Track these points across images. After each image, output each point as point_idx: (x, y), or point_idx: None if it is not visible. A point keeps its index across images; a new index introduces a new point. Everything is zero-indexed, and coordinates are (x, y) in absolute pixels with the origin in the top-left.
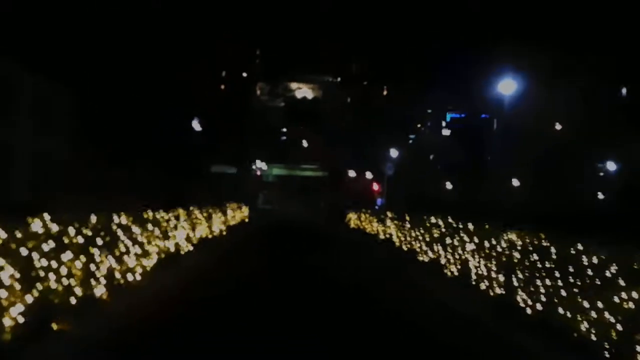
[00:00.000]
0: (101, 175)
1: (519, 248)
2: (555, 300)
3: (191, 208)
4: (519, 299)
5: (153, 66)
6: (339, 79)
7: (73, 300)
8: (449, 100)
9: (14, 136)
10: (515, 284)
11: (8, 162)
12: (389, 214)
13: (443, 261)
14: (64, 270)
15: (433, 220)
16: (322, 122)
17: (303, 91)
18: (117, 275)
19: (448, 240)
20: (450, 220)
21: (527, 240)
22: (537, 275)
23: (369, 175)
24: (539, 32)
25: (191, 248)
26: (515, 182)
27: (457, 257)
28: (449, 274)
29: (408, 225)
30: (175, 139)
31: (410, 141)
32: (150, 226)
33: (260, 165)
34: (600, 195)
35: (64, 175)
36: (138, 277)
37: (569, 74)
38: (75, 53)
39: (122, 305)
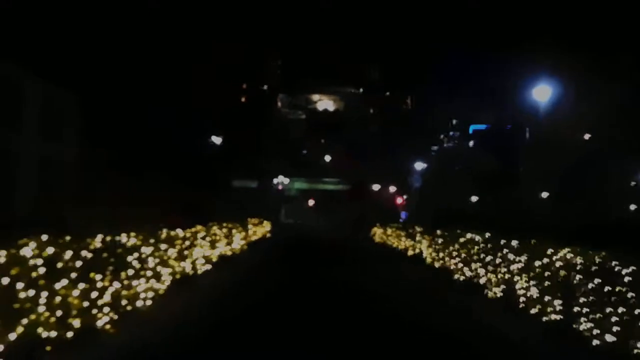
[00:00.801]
0: (113, 188)
1: (579, 268)
2: (632, 332)
3: (210, 224)
4: (581, 327)
5: (171, 76)
6: (361, 90)
7: (70, 334)
8: (474, 110)
9: (19, 143)
10: (576, 309)
11: (13, 170)
12: (418, 228)
13: (482, 281)
14: (57, 300)
15: (469, 235)
16: (345, 134)
17: (324, 103)
18: (124, 302)
19: (488, 258)
20: (488, 235)
21: (589, 260)
22: (605, 300)
23: (392, 188)
24: (572, 34)
25: (209, 267)
26: (547, 194)
27: (499, 277)
28: (490, 294)
29: (440, 241)
30: (195, 152)
31: (434, 152)
32: (163, 245)
33: (282, 179)
34: (632, 206)
35: (74, 185)
36: (148, 303)
37: (607, 78)
38: (86, 59)
39: (128, 336)
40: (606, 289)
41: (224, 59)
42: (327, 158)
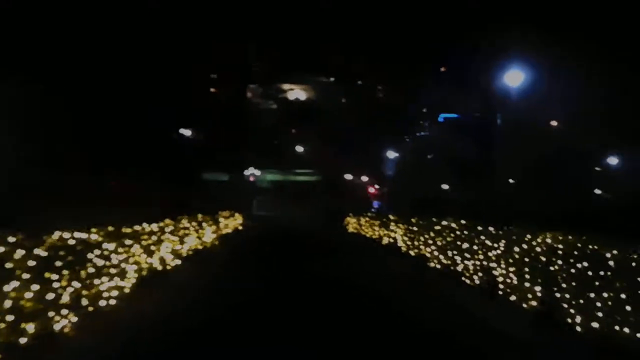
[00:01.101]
0: (83, 184)
1: (560, 253)
2: (618, 318)
3: (179, 217)
4: (564, 314)
5: (140, 66)
6: (332, 79)
7: (23, 340)
8: (447, 98)
9: None
10: (558, 295)
11: None
12: (392, 217)
13: (459, 268)
14: (7, 303)
15: (445, 223)
16: (317, 124)
17: (296, 92)
18: (84, 302)
19: (465, 245)
20: (463, 222)
21: (570, 245)
22: (588, 286)
23: (364, 178)
24: (544, 17)
25: (179, 262)
26: (517, 181)
27: (477, 263)
28: (468, 282)
29: (415, 229)
30: (164, 145)
31: (407, 141)
32: (128, 241)
33: (253, 170)
34: (597, 191)
35: (40, 183)
36: (112, 303)
37: (582, 61)
38: (53, 50)
39: (89, 340)
40: (589, 274)
41: (192, 48)
42: (299, 148)
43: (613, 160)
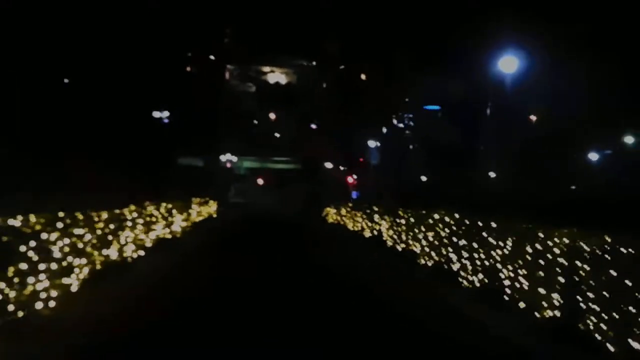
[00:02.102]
0: (39, 168)
1: (586, 256)
2: None
3: (145, 203)
4: (590, 327)
5: (109, 42)
6: (314, 63)
7: None
8: (433, 86)
9: None
10: (583, 306)
11: None
12: (376, 208)
13: (455, 267)
14: None
15: (437, 216)
16: (297, 109)
17: (276, 75)
18: (11, 307)
19: (462, 242)
20: (458, 216)
21: (597, 246)
22: (621, 295)
23: (343, 167)
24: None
25: (142, 253)
26: (495, 172)
27: (477, 263)
28: (466, 284)
29: (402, 222)
30: (132, 128)
31: (389, 129)
32: (78, 230)
33: (230, 157)
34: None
35: None
36: (52, 304)
37: (575, 48)
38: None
39: (20, 356)
40: (622, 281)
41: (167, 25)
42: (278, 134)
43: (594, 153)
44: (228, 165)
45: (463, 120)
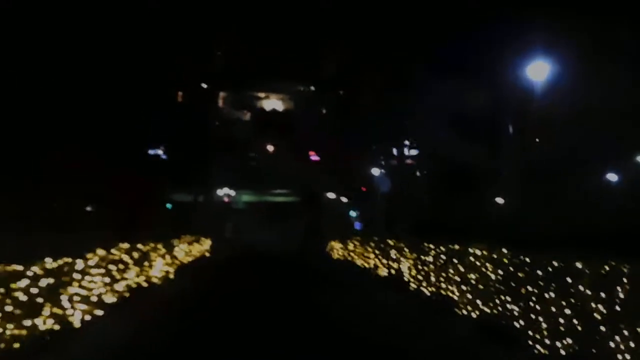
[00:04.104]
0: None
1: None
2: None
3: (112, 247)
4: None
5: (92, 73)
6: (312, 88)
7: None
8: (444, 98)
9: None
10: None
11: None
12: (392, 242)
13: (518, 323)
14: None
15: (478, 251)
16: (295, 138)
17: (272, 102)
18: None
19: (529, 288)
20: (509, 252)
21: None
22: None
23: (346, 197)
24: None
25: (100, 312)
26: (527, 195)
27: (560, 321)
28: (541, 349)
29: (429, 259)
30: (124, 167)
31: (395, 156)
32: None
33: (224, 190)
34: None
35: None
36: None
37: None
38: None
39: None
40: None
41: (154, 54)
42: (276, 165)
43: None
44: (223, 199)
45: (480, 136)
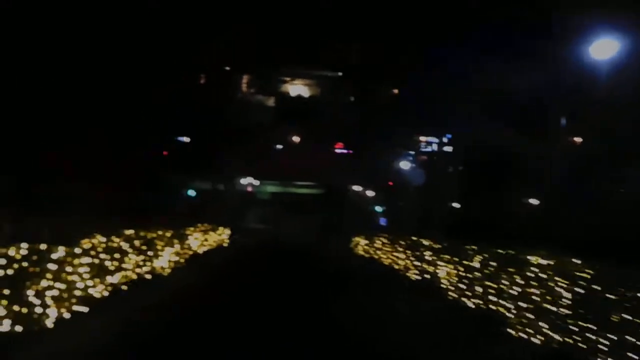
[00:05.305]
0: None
1: None
2: None
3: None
4: None
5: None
6: (339, 73)
7: None
8: (485, 79)
9: None
10: None
11: None
12: (426, 242)
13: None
14: None
15: (543, 261)
16: (320, 125)
17: (297, 88)
18: None
19: (623, 316)
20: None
21: None
22: None
23: (370, 191)
24: None
25: (84, 309)
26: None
27: None
28: None
29: (476, 265)
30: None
31: (423, 148)
32: None
33: (245, 179)
34: None
35: None
36: None
37: None
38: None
39: None
40: None
41: (178, 35)
42: (300, 155)
43: None
44: (244, 188)
45: (526, 125)
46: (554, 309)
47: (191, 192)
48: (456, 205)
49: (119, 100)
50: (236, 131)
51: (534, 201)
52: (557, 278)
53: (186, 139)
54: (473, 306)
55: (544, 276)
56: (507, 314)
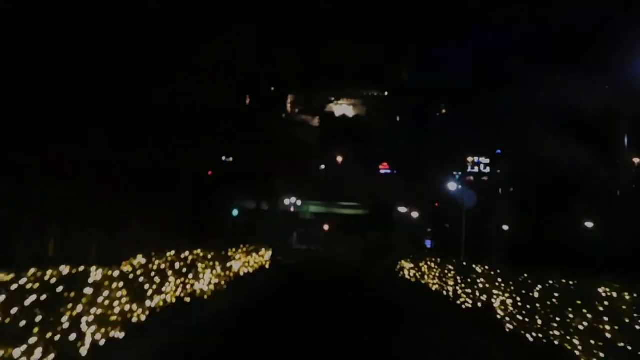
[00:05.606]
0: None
1: None
2: None
3: (130, 258)
4: None
5: (143, 65)
6: (386, 93)
7: None
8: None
9: None
10: None
11: None
12: (478, 268)
13: None
14: None
15: (614, 294)
16: (366, 146)
17: (342, 107)
18: None
19: None
20: None
21: None
22: None
23: (417, 212)
24: None
25: (120, 335)
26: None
27: None
28: None
29: (536, 296)
30: (175, 165)
31: (471, 170)
32: None
33: (290, 200)
34: None
35: None
36: None
37: None
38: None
39: None
40: None
41: (222, 57)
42: (345, 175)
43: None
44: (288, 208)
45: (588, 143)
46: (627, 346)
47: (235, 212)
48: (506, 227)
49: (162, 120)
50: (281, 151)
51: (591, 223)
52: (634, 314)
53: (231, 159)
54: (532, 339)
55: (616, 309)
56: (572, 349)
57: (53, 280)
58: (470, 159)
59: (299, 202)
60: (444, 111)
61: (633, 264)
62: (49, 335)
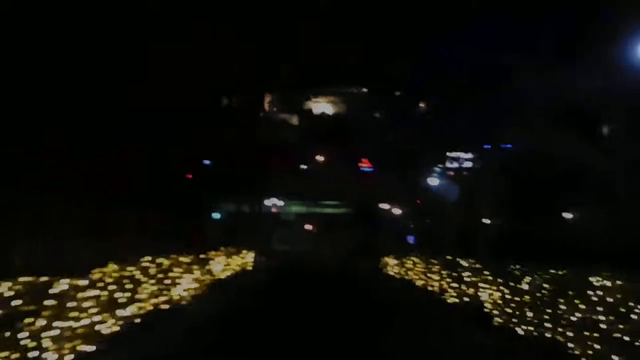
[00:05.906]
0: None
1: None
2: None
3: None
4: None
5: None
6: (365, 90)
7: None
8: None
9: None
10: None
11: None
12: (464, 262)
13: None
14: None
15: (608, 283)
16: (346, 143)
17: (322, 105)
18: None
19: None
20: None
21: None
22: None
23: (397, 209)
24: None
25: (90, 348)
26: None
27: None
28: None
29: (524, 287)
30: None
31: (454, 162)
32: None
33: (271, 200)
34: None
35: None
36: None
37: None
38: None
39: None
40: None
41: (203, 56)
42: (326, 173)
43: None
44: (270, 209)
45: (576, 132)
46: (625, 337)
47: (215, 215)
48: (487, 221)
49: (139, 120)
50: (260, 150)
51: (579, 213)
52: (632, 304)
53: (209, 161)
54: (522, 332)
55: (611, 300)
56: (566, 342)
57: (9, 294)
58: (450, 154)
59: (280, 203)
60: (424, 105)
61: (632, 259)
62: (4, 355)
